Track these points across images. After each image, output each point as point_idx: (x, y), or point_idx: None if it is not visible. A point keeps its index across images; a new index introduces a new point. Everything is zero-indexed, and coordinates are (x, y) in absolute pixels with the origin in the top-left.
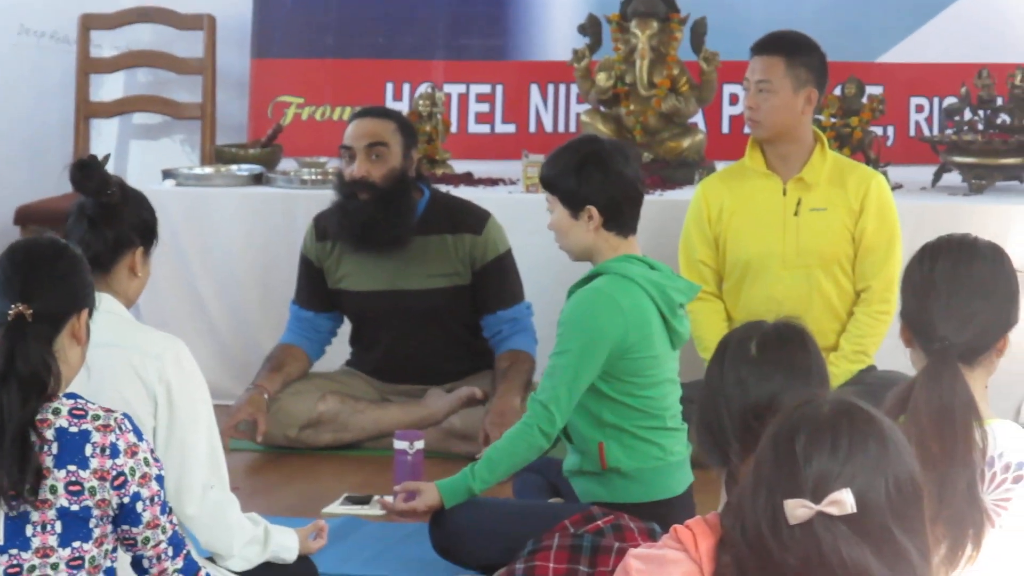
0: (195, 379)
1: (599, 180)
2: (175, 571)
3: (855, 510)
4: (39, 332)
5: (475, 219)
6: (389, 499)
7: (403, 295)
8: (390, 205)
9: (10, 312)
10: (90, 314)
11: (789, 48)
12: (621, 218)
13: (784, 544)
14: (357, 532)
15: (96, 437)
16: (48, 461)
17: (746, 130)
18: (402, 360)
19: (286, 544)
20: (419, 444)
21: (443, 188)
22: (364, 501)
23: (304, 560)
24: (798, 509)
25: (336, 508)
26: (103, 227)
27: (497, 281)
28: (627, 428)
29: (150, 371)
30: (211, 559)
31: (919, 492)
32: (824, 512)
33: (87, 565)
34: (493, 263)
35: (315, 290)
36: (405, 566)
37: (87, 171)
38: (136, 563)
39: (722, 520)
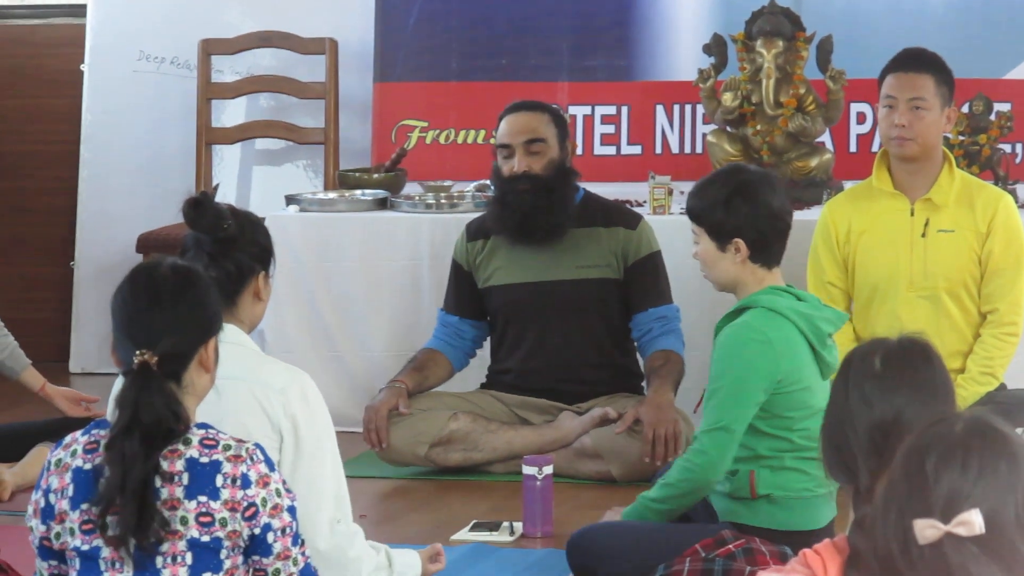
0: (320, 413)
1: (747, 213)
2: None
3: (984, 531)
4: (166, 375)
5: (630, 216)
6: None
7: (552, 286)
8: (552, 193)
9: (135, 360)
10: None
11: (937, 66)
12: (768, 250)
13: (914, 564)
14: (488, 559)
15: (227, 468)
16: (178, 492)
17: (874, 148)
18: (543, 364)
19: (409, 562)
20: (548, 469)
21: None
22: (493, 527)
23: None
24: (927, 530)
25: (465, 535)
26: (223, 261)
27: (651, 278)
28: (782, 459)
29: (275, 406)
30: None
31: None
32: (953, 533)
33: None
34: (647, 259)
35: (462, 294)
36: None
37: (200, 209)
38: None
39: (849, 538)
